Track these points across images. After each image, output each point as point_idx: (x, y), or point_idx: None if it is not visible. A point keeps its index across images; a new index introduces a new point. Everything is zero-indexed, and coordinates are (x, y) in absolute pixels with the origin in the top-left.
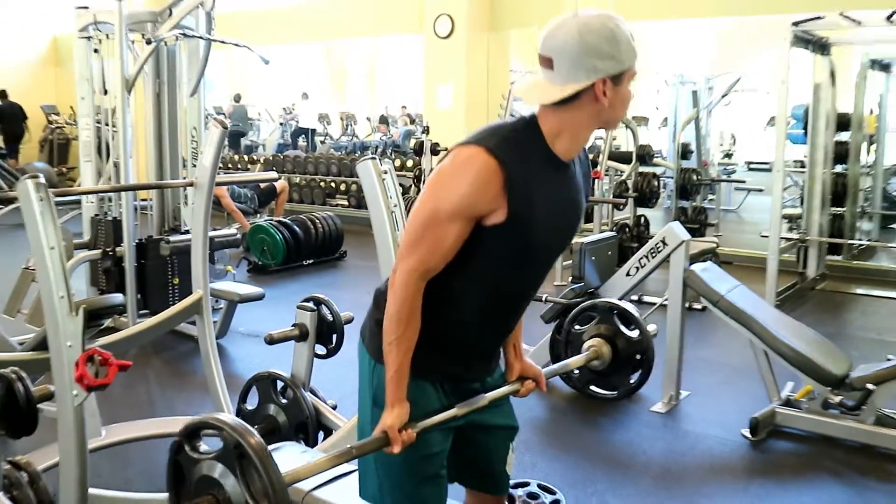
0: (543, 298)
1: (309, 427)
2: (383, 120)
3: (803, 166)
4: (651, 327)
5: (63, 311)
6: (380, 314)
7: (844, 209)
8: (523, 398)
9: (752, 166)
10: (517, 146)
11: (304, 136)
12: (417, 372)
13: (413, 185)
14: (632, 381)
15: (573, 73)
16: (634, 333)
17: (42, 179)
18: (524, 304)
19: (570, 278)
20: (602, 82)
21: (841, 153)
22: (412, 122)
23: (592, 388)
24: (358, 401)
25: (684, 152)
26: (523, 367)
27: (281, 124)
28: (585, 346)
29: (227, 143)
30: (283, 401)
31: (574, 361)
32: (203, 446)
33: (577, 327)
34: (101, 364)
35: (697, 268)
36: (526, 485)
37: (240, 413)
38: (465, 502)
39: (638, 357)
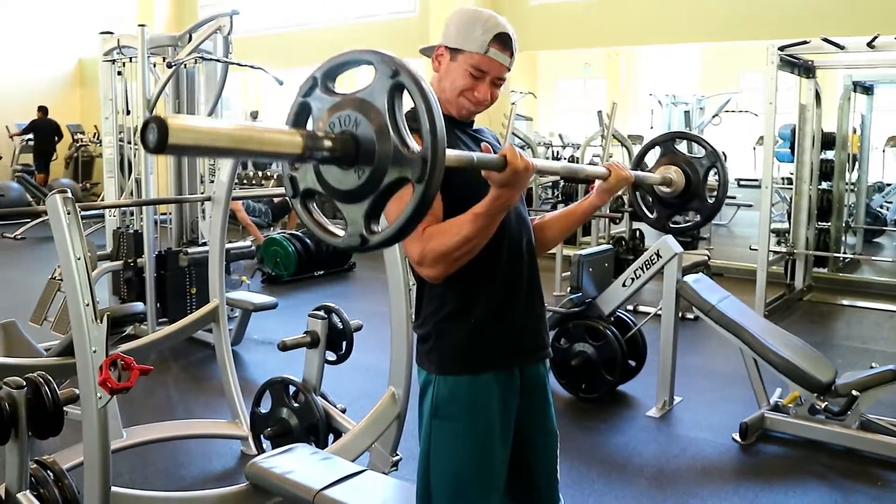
0: None
1: (319, 429)
2: None
3: (790, 183)
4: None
5: (88, 318)
6: (425, 331)
7: (830, 224)
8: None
9: (741, 183)
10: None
11: None
12: (476, 366)
13: None
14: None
15: (443, 32)
16: (700, 152)
17: (69, 194)
18: (529, 250)
19: (569, 289)
20: (441, 46)
21: (826, 171)
22: None
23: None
24: (419, 430)
25: None
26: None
27: None
28: (659, 171)
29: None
30: (295, 405)
31: (655, 178)
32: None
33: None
34: (124, 369)
35: (690, 279)
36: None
37: (253, 416)
38: None
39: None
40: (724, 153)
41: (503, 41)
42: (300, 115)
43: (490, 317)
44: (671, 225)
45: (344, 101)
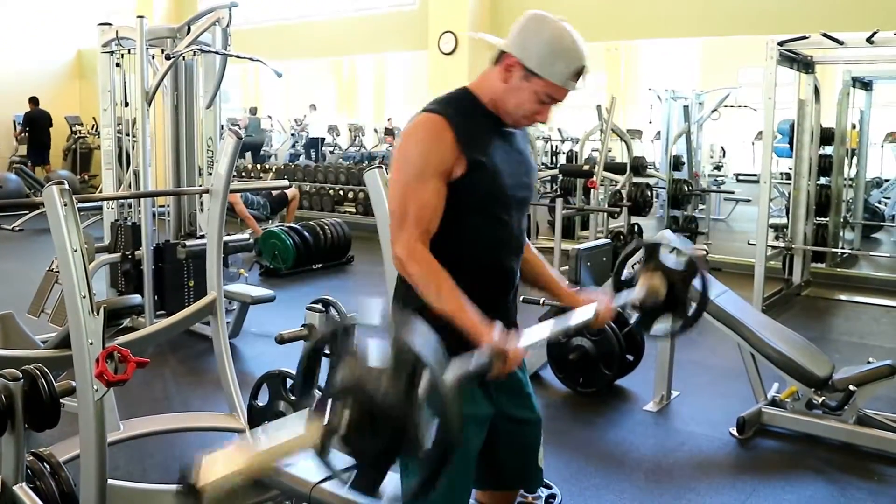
0: (541, 302)
1: None
2: (389, 132)
3: (789, 178)
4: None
5: (85, 310)
6: (406, 304)
7: (828, 219)
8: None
9: (740, 178)
10: (456, 104)
11: (315, 145)
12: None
13: None
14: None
15: (513, 38)
16: (683, 260)
17: (66, 186)
18: (516, 247)
19: (567, 283)
20: (517, 62)
21: (824, 166)
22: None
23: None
24: None
25: (676, 164)
26: (575, 297)
27: (292, 135)
28: (640, 282)
29: (250, 153)
30: (293, 398)
31: (637, 296)
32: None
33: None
34: (121, 361)
35: None
36: (549, 486)
37: (251, 409)
38: (475, 498)
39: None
40: (722, 149)
41: (581, 72)
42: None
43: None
44: (652, 333)
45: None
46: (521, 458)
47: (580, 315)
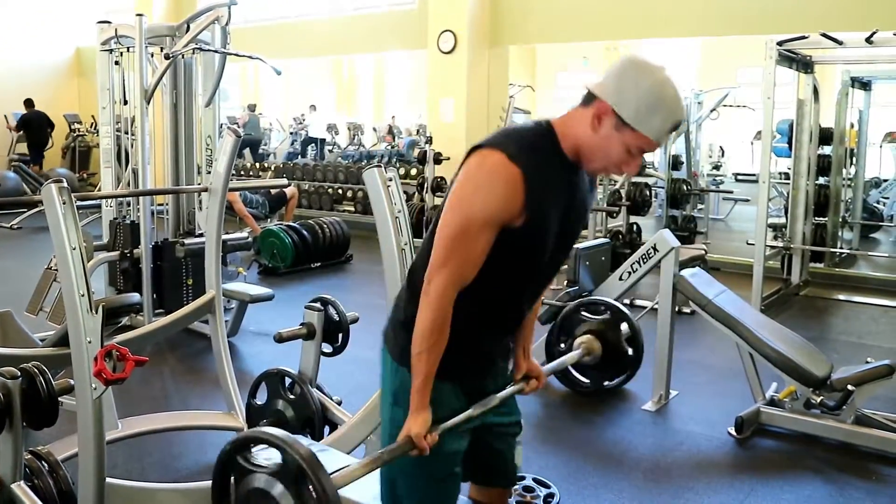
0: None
1: (315, 422)
2: (389, 130)
3: (788, 178)
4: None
5: (84, 308)
6: (402, 319)
7: (826, 219)
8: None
9: (739, 178)
10: (535, 151)
11: (313, 144)
12: (438, 374)
13: (417, 193)
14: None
15: (609, 83)
16: (624, 327)
17: (65, 184)
18: (533, 304)
19: (566, 282)
20: (610, 110)
21: (823, 166)
22: (417, 132)
23: (583, 379)
24: (381, 400)
25: (675, 164)
26: (529, 366)
27: (291, 134)
28: (577, 342)
29: (248, 150)
30: (291, 396)
31: (569, 358)
32: (257, 457)
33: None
34: (119, 359)
35: (687, 273)
36: (521, 479)
37: (249, 408)
38: (469, 495)
39: (628, 351)
40: (721, 148)
41: (677, 127)
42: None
43: (471, 345)
44: (605, 384)
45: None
46: (500, 461)
47: (508, 390)
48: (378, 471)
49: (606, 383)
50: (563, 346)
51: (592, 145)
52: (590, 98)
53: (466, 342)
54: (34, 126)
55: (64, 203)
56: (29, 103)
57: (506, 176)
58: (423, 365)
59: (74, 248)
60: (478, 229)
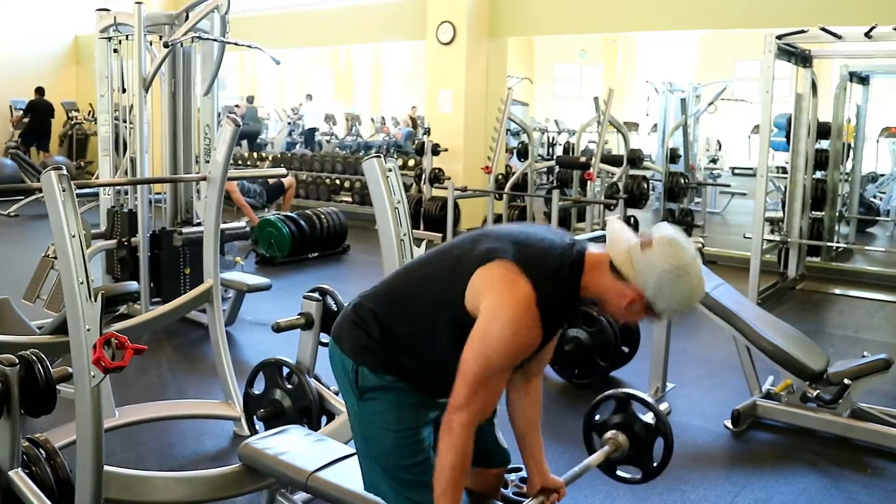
0: None
1: (312, 411)
2: (384, 122)
3: (785, 172)
4: (664, 406)
5: (83, 296)
6: (374, 331)
7: (823, 213)
8: None
9: (736, 171)
10: (558, 283)
11: (311, 133)
12: (395, 372)
13: (414, 184)
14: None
15: (645, 272)
16: (649, 418)
17: (65, 171)
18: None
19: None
20: (641, 297)
21: (821, 160)
22: (415, 125)
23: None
24: (343, 397)
25: (672, 157)
26: (544, 480)
27: (289, 123)
28: (604, 438)
29: (246, 142)
30: (289, 386)
31: (594, 459)
32: None
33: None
34: (118, 347)
35: None
36: (518, 470)
37: (247, 397)
38: (465, 486)
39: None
40: (718, 142)
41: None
42: None
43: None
44: (618, 473)
45: None
46: (490, 440)
47: None
48: (362, 465)
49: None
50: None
51: (618, 312)
52: (621, 278)
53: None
54: (39, 113)
55: (63, 191)
56: (40, 91)
57: (528, 316)
58: (455, 496)
59: (74, 236)
60: (504, 368)
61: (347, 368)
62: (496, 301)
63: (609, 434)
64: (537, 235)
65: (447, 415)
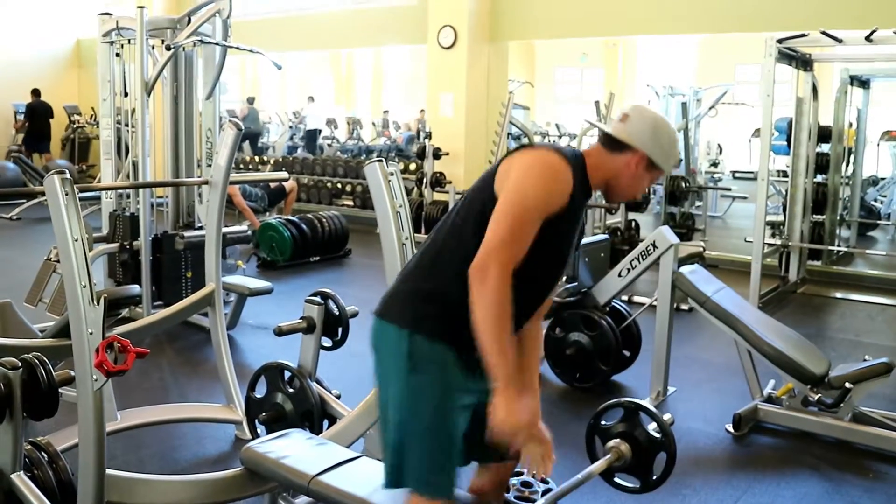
0: None
1: (314, 415)
2: (385, 124)
3: (786, 176)
4: (667, 416)
5: (85, 299)
6: (422, 290)
7: (824, 217)
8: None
9: (737, 175)
10: (578, 163)
11: (313, 135)
12: (446, 337)
13: (416, 188)
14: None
15: (636, 134)
16: (652, 427)
17: (68, 175)
18: (549, 291)
19: (565, 278)
20: (643, 157)
21: (822, 164)
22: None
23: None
24: (385, 372)
25: None
26: (526, 387)
27: (290, 127)
28: (607, 446)
29: (248, 143)
30: (290, 390)
31: (597, 467)
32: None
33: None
34: (120, 351)
35: (685, 270)
36: (520, 474)
37: (248, 401)
38: (473, 486)
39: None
40: (719, 146)
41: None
42: None
43: None
44: (615, 480)
45: None
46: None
47: None
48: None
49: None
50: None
51: (627, 183)
52: (617, 146)
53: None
54: (38, 115)
55: (66, 194)
56: (36, 93)
57: (559, 170)
58: (506, 347)
59: (77, 240)
60: (535, 215)
61: (401, 338)
62: (528, 160)
63: (612, 443)
64: None
65: (480, 264)
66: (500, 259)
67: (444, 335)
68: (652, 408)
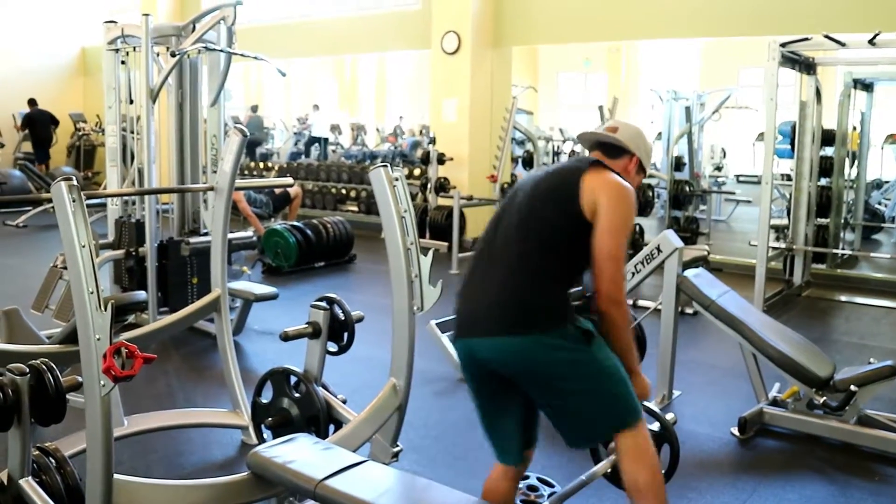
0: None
1: (320, 420)
2: (395, 131)
3: (790, 179)
4: (669, 416)
5: (92, 305)
6: (553, 301)
7: (829, 220)
8: None
9: (741, 179)
10: None
11: (317, 143)
12: (570, 321)
13: (420, 193)
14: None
15: (631, 140)
16: (655, 427)
17: (75, 182)
18: None
19: None
20: (636, 159)
21: (825, 167)
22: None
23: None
24: (571, 370)
25: (677, 165)
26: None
27: (295, 134)
28: (610, 447)
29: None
30: (296, 395)
31: (600, 468)
32: None
33: None
34: (128, 357)
35: (690, 274)
36: (526, 478)
37: (254, 406)
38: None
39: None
40: (723, 149)
41: None
42: None
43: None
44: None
45: None
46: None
47: None
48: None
49: None
50: None
51: (631, 178)
52: (616, 151)
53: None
54: (38, 124)
55: (73, 201)
56: (32, 102)
57: (634, 200)
58: (630, 343)
59: (84, 246)
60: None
61: (553, 339)
62: (612, 192)
63: (614, 443)
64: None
65: (609, 295)
66: (624, 288)
67: (570, 320)
68: (653, 407)
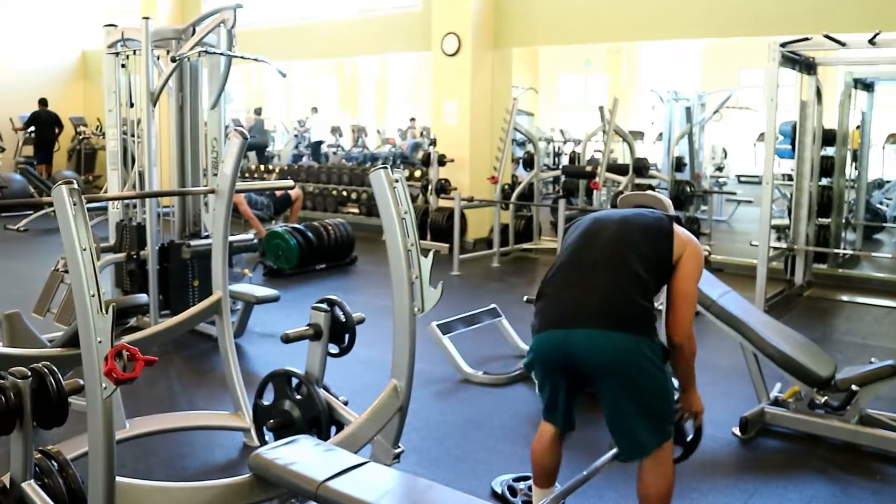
0: None
1: (322, 422)
2: (403, 134)
3: (791, 179)
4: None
5: (94, 308)
6: (649, 310)
7: (830, 220)
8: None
9: (742, 179)
10: None
11: (317, 146)
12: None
13: (421, 194)
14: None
15: (665, 203)
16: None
17: (76, 185)
18: None
19: None
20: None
21: (826, 167)
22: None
23: None
24: (653, 382)
25: (678, 165)
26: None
27: (295, 136)
28: (610, 442)
29: (254, 154)
30: (298, 397)
31: (602, 462)
32: None
33: None
34: (129, 359)
35: None
36: (527, 478)
37: (256, 408)
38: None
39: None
40: (724, 150)
41: None
42: None
43: None
44: None
45: None
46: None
47: None
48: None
49: None
50: None
51: None
52: (666, 215)
53: None
54: (42, 123)
55: (74, 204)
56: (43, 102)
57: None
58: (693, 372)
59: (85, 249)
60: None
61: (653, 342)
62: (695, 249)
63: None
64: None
65: (685, 331)
66: (692, 330)
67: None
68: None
